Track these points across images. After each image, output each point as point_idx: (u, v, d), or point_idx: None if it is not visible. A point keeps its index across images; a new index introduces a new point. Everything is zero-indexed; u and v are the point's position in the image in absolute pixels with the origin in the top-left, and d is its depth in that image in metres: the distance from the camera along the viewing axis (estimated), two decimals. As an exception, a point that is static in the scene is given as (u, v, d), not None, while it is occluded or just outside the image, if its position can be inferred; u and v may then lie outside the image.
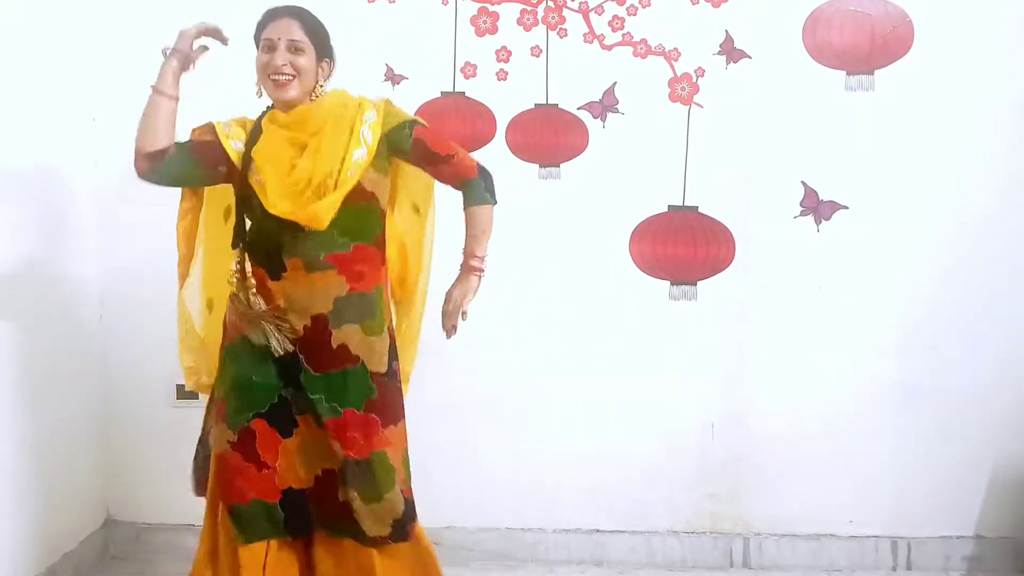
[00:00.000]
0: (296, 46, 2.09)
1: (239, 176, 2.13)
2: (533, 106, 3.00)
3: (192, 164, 2.13)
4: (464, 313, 2.22)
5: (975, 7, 2.91)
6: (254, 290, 2.11)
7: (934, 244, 2.99)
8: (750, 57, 2.95)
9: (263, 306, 2.10)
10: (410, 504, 2.18)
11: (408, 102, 2.94)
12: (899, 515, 3.06)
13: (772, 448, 3.06)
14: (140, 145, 2.07)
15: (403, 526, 2.15)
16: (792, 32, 2.94)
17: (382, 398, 2.15)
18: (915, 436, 3.04)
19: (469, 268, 2.24)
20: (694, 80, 2.97)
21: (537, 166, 3.02)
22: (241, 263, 2.14)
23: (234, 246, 2.18)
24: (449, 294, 2.24)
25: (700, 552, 3.09)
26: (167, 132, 2.07)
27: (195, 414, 3.01)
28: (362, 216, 2.13)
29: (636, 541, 3.09)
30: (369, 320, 2.14)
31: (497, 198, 2.27)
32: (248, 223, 2.18)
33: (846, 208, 2.98)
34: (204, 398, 3.03)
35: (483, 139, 3.00)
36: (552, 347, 3.05)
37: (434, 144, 2.19)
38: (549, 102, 3.00)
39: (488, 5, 2.97)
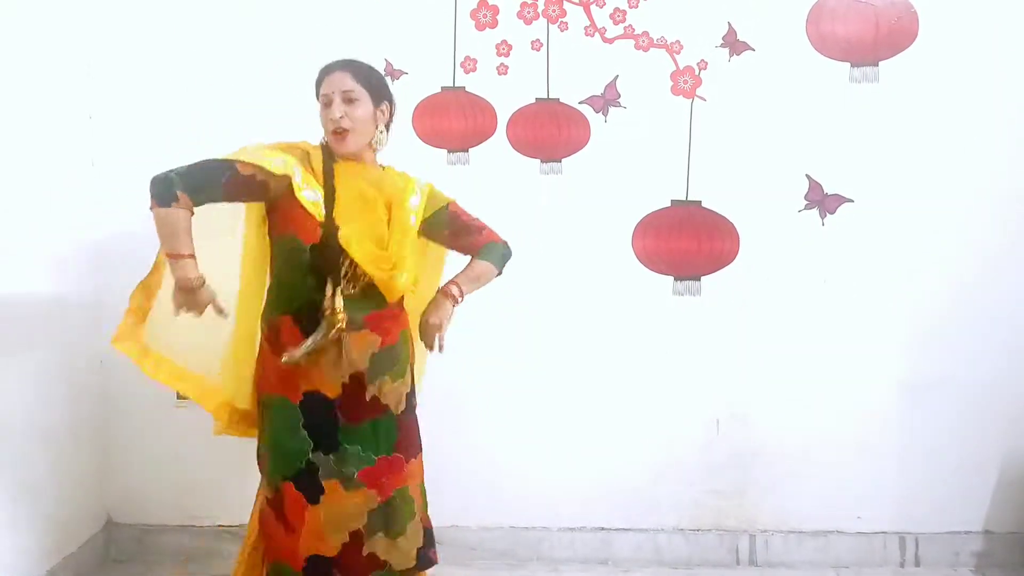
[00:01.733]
0: (349, 96, 2.14)
1: (321, 229, 2.10)
2: (534, 100, 2.97)
3: (219, 197, 2.08)
4: (442, 346, 2.27)
5: (980, -3, 2.88)
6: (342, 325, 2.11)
7: (940, 237, 2.96)
8: (753, 49, 2.92)
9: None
10: (429, 532, 2.28)
11: (408, 97, 2.93)
12: (907, 511, 3.04)
13: (778, 444, 3.03)
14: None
15: (425, 553, 2.25)
16: (795, 23, 2.91)
17: (404, 436, 2.24)
18: (922, 431, 3.01)
19: (446, 292, 2.29)
20: (697, 73, 2.94)
21: (539, 161, 2.99)
22: (332, 297, 2.11)
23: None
24: (425, 320, 2.27)
25: (706, 549, 3.06)
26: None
27: (195, 415, 2.98)
28: None
29: (641, 539, 3.07)
30: (394, 368, 2.22)
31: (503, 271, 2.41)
32: (279, 278, 2.20)
33: (851, 201, 2.95)
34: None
35: (484, 134, 2.98)
36: (555, 344, 3.02)
37: (468, 218, 2.37)
38: (550, 96, 2.97)
39: (488, -1, 2.94)
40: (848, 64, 2.92)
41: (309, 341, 2.08)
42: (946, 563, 3.02)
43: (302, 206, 2.09)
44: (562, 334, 3.02)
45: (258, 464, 2.25)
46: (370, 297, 2.16)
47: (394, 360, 2.22)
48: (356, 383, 2.16)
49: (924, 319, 2.99)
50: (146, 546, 3.06)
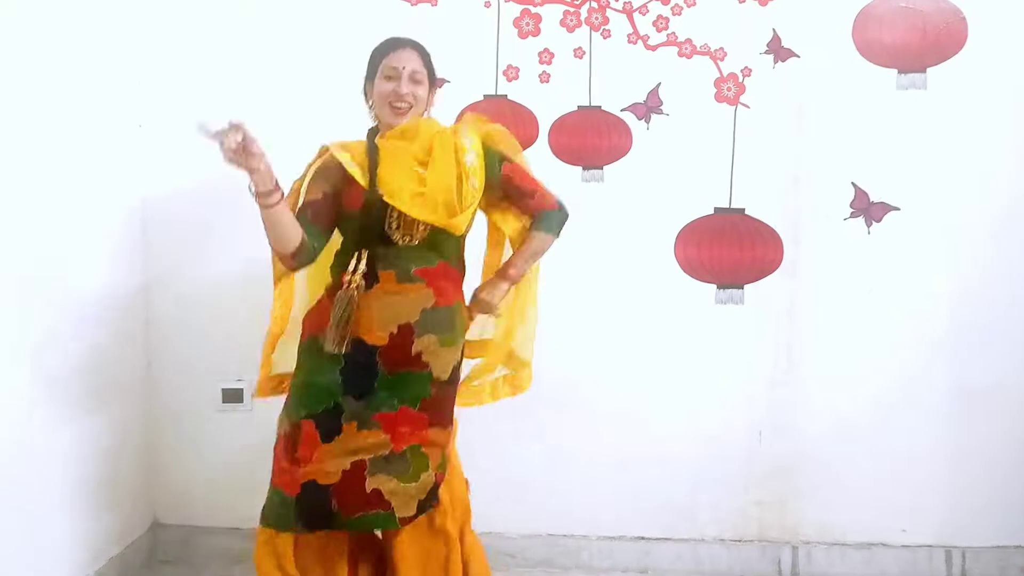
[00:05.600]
0: (416, 77, 2.24)
1: (365, 193, 2.19)
2: (576, 108, 2.97)
3: (321, 234, 2.23)
4: (495, 310, 2.34)
5: (1032, 2, 2.83)
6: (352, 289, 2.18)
7: (988, 246, 2.91)
8: (798, 56, 2.90)
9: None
10: (435, 488, 2.25)
11: (451, 105, 2.94)
12: (953, 523, 2.99)
13: (821, 454, 3.00)
14: (280, 251, 2.16)
15: (425, 505, 2.23)
16: (841, 30, 2.88)
17: (436, 400, 2.23)
18: (969, 441, 2.96)
19: (504, 274, 2.36)
20: (740, 80, 2.92)
21: (580, 169, 2.99)
22: (356, 264, 2.19)
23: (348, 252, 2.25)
24: (478, 295, 2.34)
25: (747, 561, 3.03)
26: (295, 229, 2.14)
27: (241, 417, 3.06)
28: (445, 236, 2.24)
29: (682, 549, 3.05)
30: (446, 333, 2.23)
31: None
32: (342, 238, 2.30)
33: (898, 210, 2.91)
34: (249, 402, 3.08)
35: (526, 142, 2.97)
36: (597, 352, 3.01)
37: (521, 180, 2.35)
38: (592, 104, 2.97)
39: (531, 7, 2.94)
40: (895, 71, 2.88)
41: (331, 322, 2.16)
42: (994, 578, 2.98)
43: (351, 182, 2.19)
44: (603, 342, 3.01)
45: (283, 407, 2.30)
46: (431, 249, 2.22)
47: (447, 324, 2.23)
48: (404, 335, 2.18)
49: (971, 329, 2.94)
50: (192, 547, 3.11)
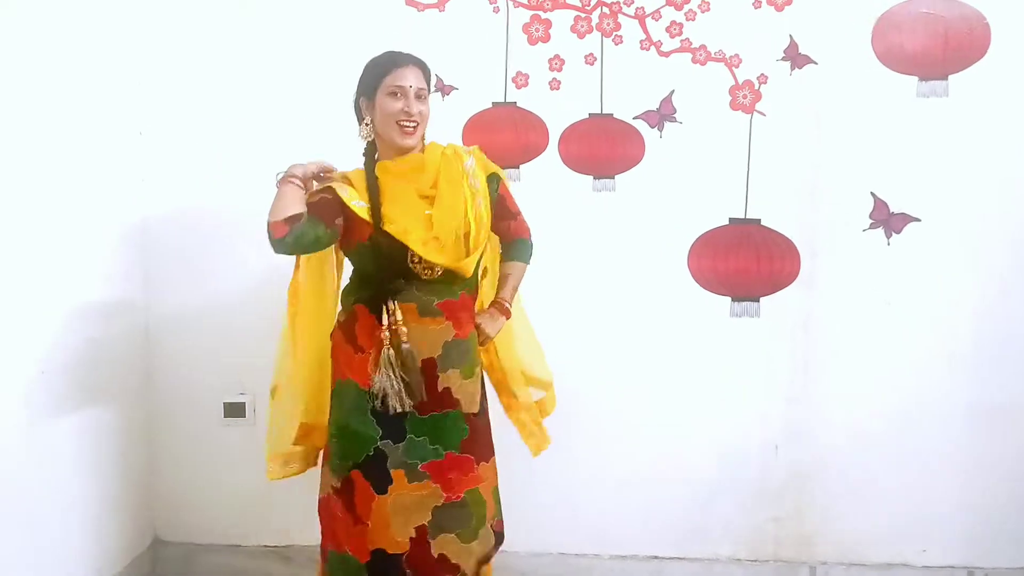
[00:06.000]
0: (421, 94, 2.18)
1: (371, 230, 2.15)
2: (587, 116, 2.90)
3: (318, 224, 2.12)
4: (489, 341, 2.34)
5: (1057, 7, 2.75)
6: (405, 340, 2.14)
7: (1010, 258, 2.84)
8: (816, 63, 2.83)
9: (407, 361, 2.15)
10: (500, 536, 2.29)
11: (459, 113, 2.89)
12: (975, 543, 2.92)
13: (839, 471, 2.93)
14: (276, 217, 2.07)
15: (488, 557, 2.26)
16: (860, 36, 2.81)
17: (474, 436, 2.22)
18: (992, 458, 2.89)
19: (502, 308, 2.35)
20: (756, 87, 2.85)
21: (591, 178, 2.92)
22: (389, 317, 2.15)
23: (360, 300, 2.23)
24: (481, 328, 2.30)
25: (763, 580, 2.97)
26: (298, 204, 2.10)
27: (243, 432, 3.00)
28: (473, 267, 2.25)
29: (695, 568, 2.98)
30: (466, 365, 2.22)
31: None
32: (357, 271, 2.28)
33: (918, 220, 2.84)
34: (251, 416, 3.01)
35: (536, 150, 2.92)
36: (608, 366, 2.95)
37: (510, 202, 2.38)
38: (604, 112, 2.90)
39: (541, 12, 2.88)
40: (916, 78, 2.81)
41: (398, 380, 2.14)
42: (1017, 600, 2.90)
43: (357, 215, 2.14)
44: (614, 356, 2.95)
45: (323, 456, 2.29)
46: (451, 281, 2.19)
47: (464, 355, 2.21)
48: (428, 371, 2.16)
49: (992, 342, 2.87)
50: (193, 565, 3.04)
